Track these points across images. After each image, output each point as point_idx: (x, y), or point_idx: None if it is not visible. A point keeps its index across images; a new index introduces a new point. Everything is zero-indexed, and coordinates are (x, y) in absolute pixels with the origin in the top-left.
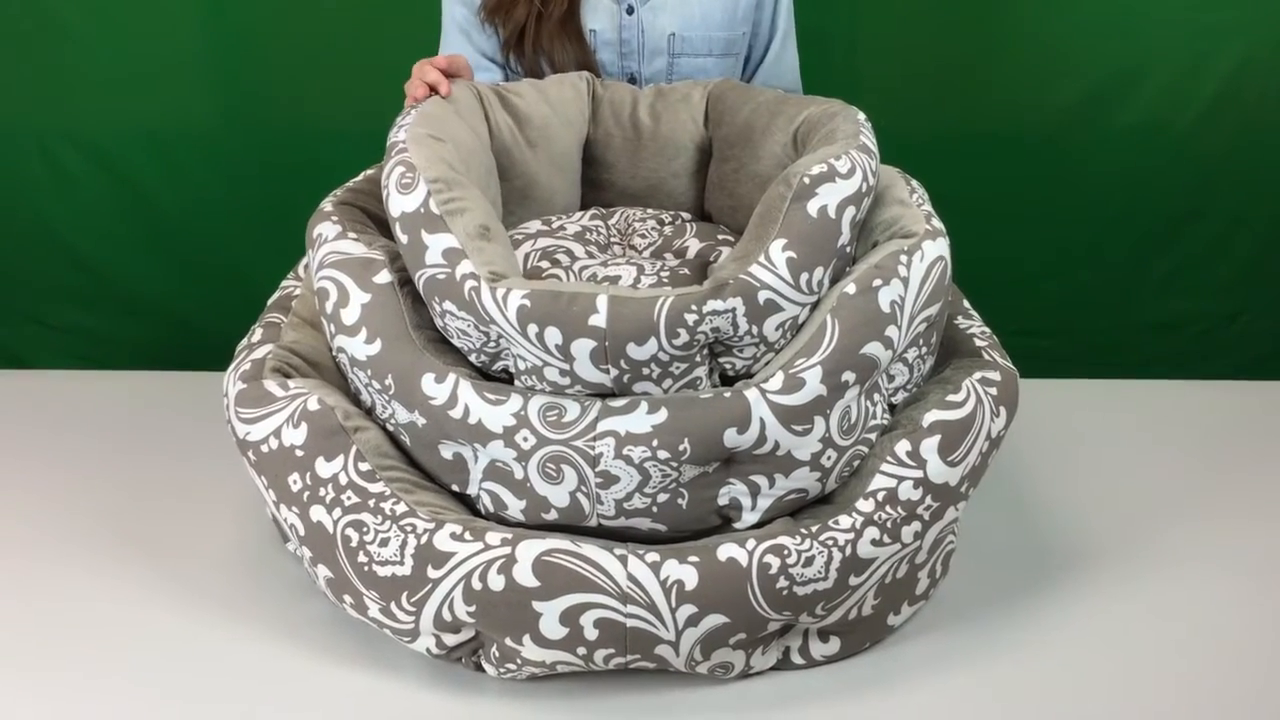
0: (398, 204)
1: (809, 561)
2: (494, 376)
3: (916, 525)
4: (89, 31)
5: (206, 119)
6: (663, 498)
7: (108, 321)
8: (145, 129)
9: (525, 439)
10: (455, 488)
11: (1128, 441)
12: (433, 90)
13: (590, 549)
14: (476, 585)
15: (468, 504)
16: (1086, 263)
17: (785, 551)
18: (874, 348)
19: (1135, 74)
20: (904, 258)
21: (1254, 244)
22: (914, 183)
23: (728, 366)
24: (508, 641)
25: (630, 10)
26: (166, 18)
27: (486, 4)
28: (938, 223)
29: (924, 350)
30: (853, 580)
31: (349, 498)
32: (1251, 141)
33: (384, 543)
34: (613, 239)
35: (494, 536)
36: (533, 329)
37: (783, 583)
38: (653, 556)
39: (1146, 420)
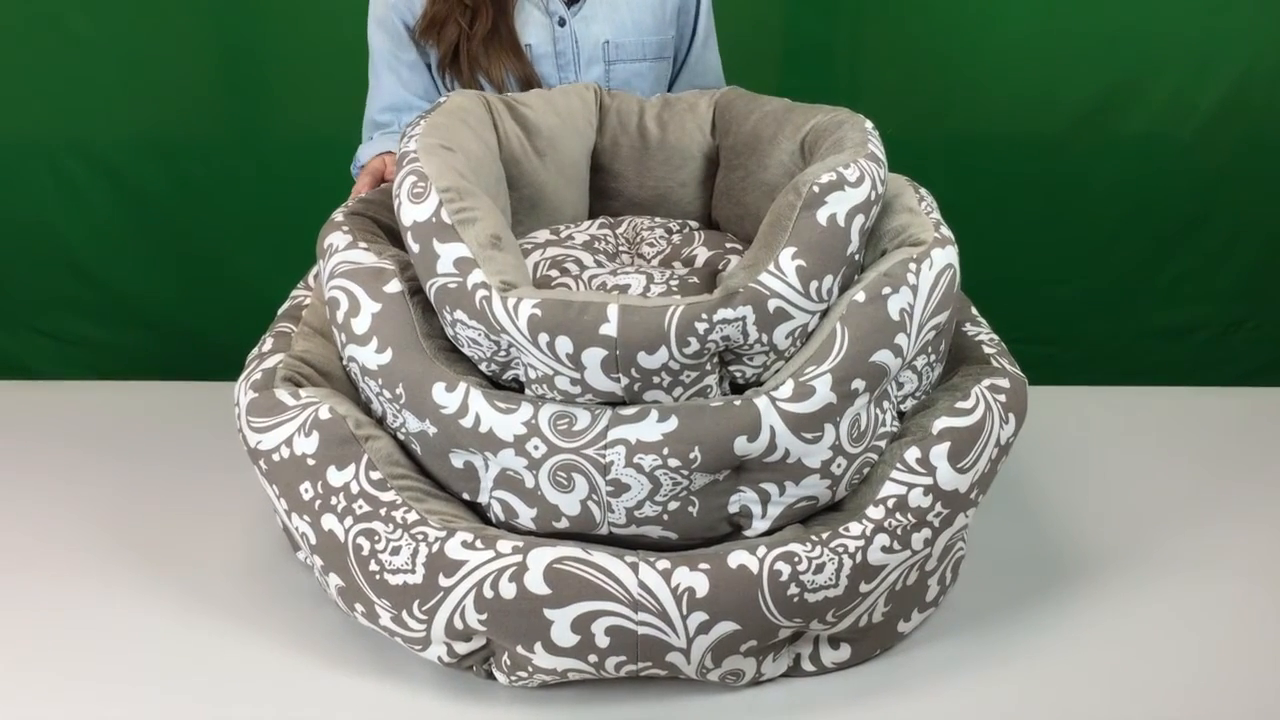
0: (409, 213)
1: (819, 568)
2: (504, 386)
3: (926, 532)
4: (96, 42)
5: (215, 129)
6: (673, 505)
7: (116, 332)
8: (153, 139)
9: (536, 447)
10: (466, 496)
11: (1135, 448)
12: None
13: (601, 557)
14: (488, 593)
15: (479, 512)
16: (1091, 270)
17: (796, 558)
18: (884, 355)
19: (1139, 83)
20: (913, 265)
21: (1259, 251)
22: (922, 190)
23: (738, 375)
24: (519, 649)
25: (562, 22)
26: (174, 28)
27: (419, 26)
28: (946, 230)
29: (933, 358)
30: (863, 587)
31: (360, 506)
32: (1255, 150)
33: (395, 551)
34: (621, 248)
35: (505, 545)
36: (544, 338)
37: (793, 590)
38: (663, 564)
39: (1153, 427)
